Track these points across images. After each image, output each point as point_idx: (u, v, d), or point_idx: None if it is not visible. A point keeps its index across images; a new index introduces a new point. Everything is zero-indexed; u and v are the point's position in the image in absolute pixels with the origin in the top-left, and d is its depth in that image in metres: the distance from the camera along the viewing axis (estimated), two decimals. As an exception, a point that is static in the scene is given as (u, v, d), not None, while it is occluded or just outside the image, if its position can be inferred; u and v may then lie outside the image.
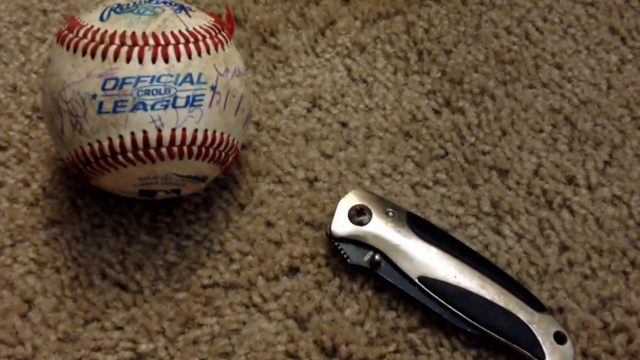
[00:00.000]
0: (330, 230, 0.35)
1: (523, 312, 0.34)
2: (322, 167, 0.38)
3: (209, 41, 0.32)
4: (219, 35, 0.33)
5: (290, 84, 0.41)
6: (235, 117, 0.33)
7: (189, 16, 0.32)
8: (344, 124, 0.40)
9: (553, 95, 0.41)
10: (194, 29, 0.32)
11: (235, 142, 0.33)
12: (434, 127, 0.40)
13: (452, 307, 0.34)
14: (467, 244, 0.37)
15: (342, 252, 0.35)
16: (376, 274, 0.35)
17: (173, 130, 0.30)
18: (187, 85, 0.30)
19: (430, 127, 0.40)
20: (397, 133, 0.40)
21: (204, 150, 0.31)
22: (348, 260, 0.35)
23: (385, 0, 0.43)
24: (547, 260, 0.36)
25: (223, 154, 0.33)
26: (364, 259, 0.35)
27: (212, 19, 0.33)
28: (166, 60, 0.30)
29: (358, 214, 0.36)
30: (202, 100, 0.31)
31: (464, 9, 0.44)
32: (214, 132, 0.32)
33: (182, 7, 0.33)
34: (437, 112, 0.40)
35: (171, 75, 0.30)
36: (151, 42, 0.30)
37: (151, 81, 0.30)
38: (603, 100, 0.41)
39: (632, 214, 0.38)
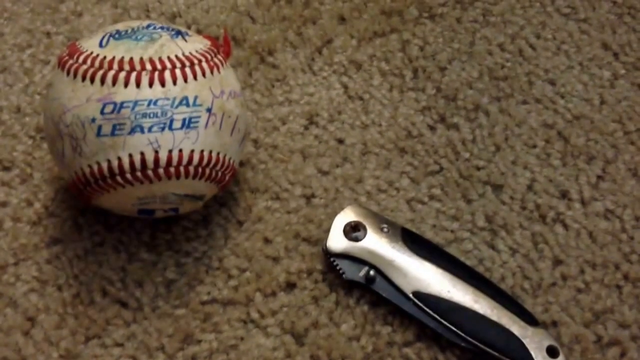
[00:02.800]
0: (326, 246, 0.36)
1: (516, 326, 0.34)
2: (319, 183, 0.39)
3: (204, 65, 0.33)
4: (215, 59, 0.34)
5: (288, 102, 0.42)
6: (231, 137, 0.34)
7: (185, 41, 0.33)
8: (341, 141, 0.41)
9: (546, 111, 0.42)
10: (190, 53, 0.33)
11: (231, 161, 0.34)
12: (429, 143, 0.41)
13: (446, 321, 0.34)
14: (462, 258, 0.37)
15: (337, 268, 0.36)
16: (371, 289, 0.35)
17: (170, 151, 0.31)
18: (184, 108, 0.31)
19: (425, 143, 0.41)
20: (393, 149, 0.40)
21: (200, 170, 0.32)
22: (343, 275, 0.36)
23: (380, 18, 0.44)
24: (541, 275, 0.37)
25: (220, 173, 0.34)
26: (360, 274, 0.36)
27: (209, 43, 0.34)
28: (163, 84, 0.31)
29: (353, 230, 0.36)
30: (198, 122, 0.32)
31: (458, 26, 0.44)
32: (210, 152, 0.32)
33: (178, 32, 0.34)
34: (432, 128, 0.41)
35: (168, 99, 0.31)
36: (148, 67, 0.31)
37: (148, 105, 0.31)
38: (596, 116, 0.42)
39: (625, 228, 0.38)
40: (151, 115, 0.31)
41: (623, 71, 0.43)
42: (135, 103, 0.31)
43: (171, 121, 0.31)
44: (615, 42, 0.44)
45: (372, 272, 0.35)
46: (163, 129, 0.31)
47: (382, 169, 0.40)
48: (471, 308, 0.35)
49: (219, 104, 0.33)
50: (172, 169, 0.32)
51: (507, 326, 0.34)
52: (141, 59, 0.31)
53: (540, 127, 0.41)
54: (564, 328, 0.35)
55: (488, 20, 0.45)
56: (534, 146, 0.41)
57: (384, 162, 0.40)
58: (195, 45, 0.33)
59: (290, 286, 0.36)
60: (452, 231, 0.38)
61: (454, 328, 0.34)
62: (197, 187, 0.33)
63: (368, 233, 0.36)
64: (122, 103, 0.31)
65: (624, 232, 0.38)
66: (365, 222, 0.36)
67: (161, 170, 0.31)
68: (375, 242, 0.36)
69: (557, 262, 0.37)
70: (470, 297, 0.35)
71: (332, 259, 0.36)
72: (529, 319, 0.35)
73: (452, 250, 0.38)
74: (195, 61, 0.32)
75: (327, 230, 0.36)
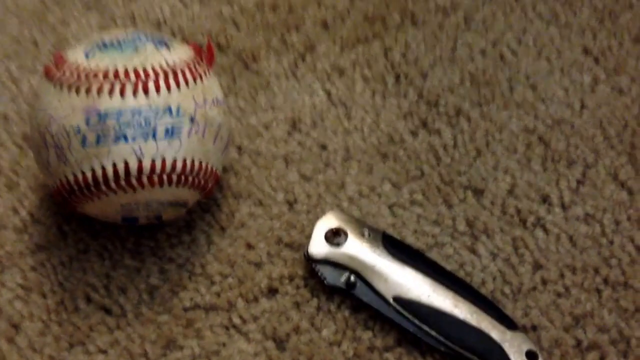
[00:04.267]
0: (307, 252, 0.36)
1: (495, 331, 0.35)
2: (302, 189, 0.39)
3: (187, 74, 0.33)
4: (198, 68, 0.34)
5: (271, 108, 0.42)
6: (213, 145, 0.34)
7: (169, 50, 0.34)
8: (323, 147, 0.41)
9: (527, 116, 0.42)
10: (174, 62, 0.33)
11: (214, 168, 0.35)
12: (410, 149, 0.41)
13: (426, 326, 0.35)
14: (443, 263, 0.38)
15: (319, 274, 0.36)
16: (352, 294, 0.36)
17: (153, 160, 0.32)
18: (167, 118, 0.32)
19: (407, 148, 0.41)
20: (375, 155, 0.41)
21: (183, 177, 0.33)
22: (325, 281, 0.36)
23: (363, 25, 0.45)
24: (521, 279, 0.37)
25: (202, 180, 0.34)
26: (341, 279, 0.36)
27: (192, 52, 0.35)
28: (146, 94, 0.32)
29: (334, 236, 0.37)
30: (180, 131, 0.32)
31: (440, 32, 0.45)
32: (193, 160, 0.33)
33: (163, 42, 0.34)
34: (414, 134, 0.42)
35: (151, 109, 0.32)
36: (132, 77, 0.32)
37: (132, 114, 0.31)
38: (576, 120, 0.42)
39: (605, 232, 0.39)
40: (135, 124, 0.31)
41: (603, 76, 0.44)
42: (120, 113, 0.31)
43: (154, 130, 0.32)
44: (596, 47, 0.45)
45: (352, 278, 0.36)
46: (146, 138, 0.32)
47: (364, 175, 0.40)
48: (451, 313, 0.35)
49: (202, 112, 0.33)
50: (155, 177, 0.32)
51: (487, 331, 0.35)
52: (126, 69, 0.32)
53: (521, 132, 0.42)
54: (544, 332, 0.36)
55: (470, 26, 0.45)
56: (515, 151, 0.41)
57: (366, 167, 0.40)
58: (179, 54, 0.34)
59: (272, 292, 0.37)
60: (433, 236, 0.38)
61: (434, 333, 0.35)
62: (180, 195, 0.34)
63: (349, 238, 0.36)
64: (106, 113, 0.31)
65: (603, 236, 0.39)
66: (346, 228, 0.37)
67: (145, 179, 0.32)
68: (356, 248, 0.36)
69: (537, 266, 0.38)
70: (450, 302, 0.35)
71: (313, 265, 0.36)
72: (509, 324, 0.35)
73: (433, 255, 0.38)
74: (179, 71, 0.33)
75: (310, 236, 0.37)
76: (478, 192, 0.40)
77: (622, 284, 0.37)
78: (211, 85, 0.35)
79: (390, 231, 0.38)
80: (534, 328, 0.36)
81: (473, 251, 0.38)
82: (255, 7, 0.44)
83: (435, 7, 0.45)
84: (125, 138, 0.31)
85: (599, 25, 0.46)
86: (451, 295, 0.35)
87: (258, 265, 0.37)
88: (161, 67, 0.33)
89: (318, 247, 0.36)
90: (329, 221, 0.37)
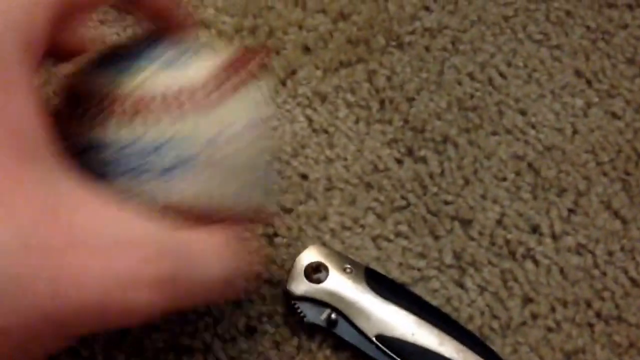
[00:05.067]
0: (286, 289, 0.35)
1: (483, 370, 0.33)
2: (282, 221, 0.38)
3: (199, 98, 0.26)
4: (223, 87, 0.27)
5: (252, 136, 0.41)
6: (234, 180, 0.28)
7: (186, 65, 0.27)
8: (304, 176, 0.40)
9: (517, 142, 0.41)
10: (184, 85, 0.27)
11: (233, 211, 0.28)
12: (395, 178, 0.40)
13: (410, 366, 0.34)
14: (428, 298, 0.36)
15: (298, 311, 0.35)
16: (333, 333, 0.34)
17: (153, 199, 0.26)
18: (165, 152, 0.26)
19: (392, 177, 0.40)
20: (358, 184, 0.39)
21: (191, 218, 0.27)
22: (305, 319, 0.34)
23: (346, 48, 0.43)
24: (510, 314, 0.36)
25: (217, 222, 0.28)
26: (321, 317, 0.35)
27: (221, 62, 0.28)
28: (143, 125, 0.26)
29: (315, 272, 0.35)
30: (182, 167, 0.26)
31: (426, 55, 0.43)
32: (202, 200, 0.27)
33: (180, 55, 0.28)
34: (399, 162, 0.40)
35: (146, 142, 0.26)
36: (127, 104, 0.26)
37: (123, 148, 0.26)
38: (568, 146, 0.41)
39: (597, 263, 0.37)
40: (126, 161, 0.26)
41: (596, 99, 0.42)
42: (108, 146, 0.26)
43: (150, 168, 0.26)
44: (588, 68, 0.43)
45: (333, 315, 0.34)
46: (139, 176, 0.26)
47: (347, 205, 0.39)
48: (436, 351, 0.34)
49: (214, 144, 0.27)
50: None
51: (474, 370, 0.33)
52: (120, 94, 0.26)
53: (510, 158, 0.40)
54: (534, 370, 0.35)
55: (457, 48, 0.44)
56: (504, 179, 0.40)
57: (349, 197, 0.39)
58: (198, 71, 0.27)
59: (250, 330, 0.35)
60: (418, 269, 0.37)
61: (418, 373, 0.33)
62: None
63: (330, 274, 0.35)
64: (96, 146, 0.26)
65: (596, 267, 0.37)
66: (327, 263, 0.35)
67: None
68: (337, 284, 0.35)
69: (527, 300, 0.36)
70: (436, 340, 0.34)
71: (293, 302, 0.35)
72: (497, 362, 0.34)
73: (419, 289, 0.37)
74: (187, 95, 0.26)
75: (290, 271, 0.35)
76: (466, 223, 0.38)
77: (615, 317, 0.36)
78: (236, 108, 0.28)
79: (374, 265, 0.37)
80: (524, 366, 0.35)
81: (460, 285, 0.37)
82: (234, 30, 0.43)
83: (422, 29, 0.44)
84: (114, 176, 0.26)
85: (591, 46, 0.44)
86: (437, 333, 0.34)
87: (235, 303, 0.36)
88: (164, 92, 0.26)
89: (298, 283, 0.35)
90: (309, 256, 0.36)
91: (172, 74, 0.27)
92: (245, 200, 0.29)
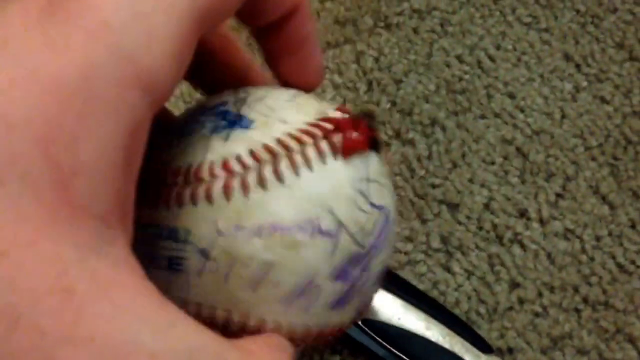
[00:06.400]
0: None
1: (469, 354, 0.33)
2: (267, 203, 0.38)
3: (216, 185, 0.21)
4: (250, 175, 0.21)
5: (237, 117, 0.40)
6: (253, 292, 0.21)
7: (228, 137, 0.21)
8: (291, 158, 0.39)
9: (505, 126, 0.40)
10: (221, 161, 0.21)
11: (257, 322, 0.22)
12: (383, 160, 0.39)
13: (396, 349, 0.33)
14: (415, 282, 0.36)
15: (283, 295, 0.34)
16: (319, 316, 0.34)
17: None
18: (170, 243, 0.22)
19: (379, 160, 0.39)
20: (345, 167, 0.39)
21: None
22: (289, 302, 0.34)
23: (334, 28, 0.42)
24: (497, 298, 0.36)
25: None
26: (307, 301, 0.34)
27: (301, 124, 0.21)
28: (156, 207, 0.22)
29: (300, 255, 0.35)
30: (183, 264, 0.21)
31: (415, 37, 0.43)
32: (214, 310, 0.22)
33: (233, 123, 0.22)
34: (386, 144, 0.40)
35: (157, 227, 0.22)
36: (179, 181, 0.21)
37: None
38: (556, 130, 0.40)
39: (585, 249, 0.37)
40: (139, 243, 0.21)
41: (585, 83, 0.42)
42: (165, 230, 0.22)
43: (155, 257, 0.22)
44: (577, 52, 0.43)
45: (319, 299, 0.34)
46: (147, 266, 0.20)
47: (334, 188, 0.38)
48: (423, 335, 0.33)
49: (224, 244, 0.21)
50: None
51: (460, 354, 0.33)
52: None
53: (498, 142, 0.40)
54: (521, 355, 0.34)
55: (446, 30, 0.43)
56: (492, 163, 0.39)
57: (336, 180, 0.38)
58: (251, 142, 0.21)
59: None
60: (405, 253, 0.37)
61: (404, 356, 0.33)
62: None
63: (316, 257, 0.35)
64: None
65: (583, 252, 0.37)
66: (313, 245, 0.35)
67: None
68: (323, 267, 0.34)
69: (514, 284, 0.36)
70: (422, 324, 0.33)
71: (277, 285, 0.34)
72: (483, 347, 0.33)
73: (406, 273, 0.36)
74: (208, 177, 0.21)
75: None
76: (453, 207, 0.38)
77: (602, 303, 0.36)
78: (270, 201, 0.21)
79: (360, 248, 0.36)
80: (510, 350, 0.34)
81: (447, 269, 0.36)
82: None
83: (410, 10, 0.43)
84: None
85: (581, 29, 0.44)
86: (423, 317, 0.34)
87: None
88: (186, 173, 0.21)
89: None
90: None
91: (214, 144, 0.22)
92: (290, 313, 0.22)
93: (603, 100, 0.42)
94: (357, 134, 0.21)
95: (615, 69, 0.43)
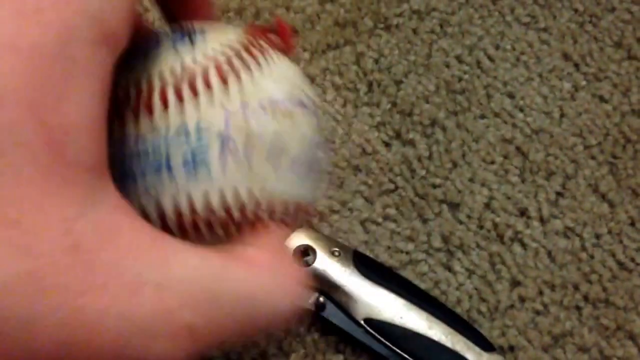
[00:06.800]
0: (274, 272, 0.35)
1: (471, 353, 0.33)
2: (269, 205, 0.38)
3: (211, 73, 0.23)
4: (235, 60, 0.24)
5: (238, 119, 0.40)
6: (270, 166, 0.23)
7: (193, 45, 0.24)
8: (292, 160, 0.39)
9: (505, 125, 0.41)
10: (195, 61, 0.23)
11: (279, 198, 0.24)
12: (383, 161, 0.39)
13: (399, 349, 0.33)
14: (417, 281, 0.36)
15: (286, 295, 0.34)
16: (322, 316, 0.34)
17: (175, 198, 0.23)
18: (182, 140, 0.22)
19: (380, 160, 0.39)
20: (346, 167, 0.39)
21: (230, 222, 0.23)
22: (292, 303, 0.34)
23: (334, 30, 0.43)
24: (498, 297, 0.36)
25: (269, 219, 0.24)
26: (309, 301, 0.34)
27: (239, 36, 0.25)
28: (150, 113, 0.23)
29: (302, 255, 0.35)
30: (205, 154, 0.22)
31: (414, 37, 0.43)
32: (237, 192, 0.23)
33: (186, 34, 0.25)
34: (387, 145, 0.40)
35: (158, 131, 0.23)
36: (132, 92, 0.23)
37: (135, 143, 0.23)
38: (555, 129, 0.41)
39: (585, 247, 0.37)
40: (141, 156, 0.23)
41: (584, 82, 0.42)
42: (122, 143, 0.23)
43: (167, 160, 0.22)
44: (576, 52, 0.43)
45: (322, 299, 0.34)
46: (159, 173, 0.22)
47: (335, 189, 0.38)
48: (425, 334, 0.34)
49: (238, 122, 0.23)
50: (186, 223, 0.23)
51: (462, 353, 0.33)
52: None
53: (498, 142, 0.40)
54: (522, 353, 0.35)
55: (445, 30, 0.43)
56: (492, 162, 0.39)
57: (337, 181, 0.39)
58: (208, 44, 0.24)
59: (237, 314, 0.35)
60: (407, 253, 0.37)
61: (407, 356, 0.33)
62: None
63: (318, 257, 0.35)
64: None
65: (583, 250, 0.37)
66: (315, 246, 0.35)
67: (172, 224, 0.23)
68: (325, 267, 0.35)
69: (515, 283, 0.36)
70: (424, 323, 0.34)
71: (280, 286, 0.35)
72: (485, 345, 0.34)
73: (407, 272, 0.36)
74: (199, 70, 0.23)
75: (277, 254, 0.35)
76: (454, 206, 0.38)
77: (602, 300, 0.36)
78: (260, 81, 0.24)
79: (363, 248, 0.37)
80: (512, 348, 0.35)
81: (448, 268, 0.37)
82: (220, 11, 0.42)
83: (410, 11, 0.44)
84: (134, 177, 0.23)
85: (579, 29, 0.44)
86: (425, 316, 0.34)
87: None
88: (173, 71, 0.23)
89: (285, 266, 0.35)
90: (297, 239, 0.35)
91: (182, 51, 0.24)
92: (300, 185, 0.24)
93: (602, 99, 0.42)
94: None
95: (614, 67, 0.43)
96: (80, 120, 0.19)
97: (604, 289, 0.36)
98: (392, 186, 0.39)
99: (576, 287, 0.36)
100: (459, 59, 0.43)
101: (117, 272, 0.19)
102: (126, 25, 0.20)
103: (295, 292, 0.22)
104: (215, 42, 0.24)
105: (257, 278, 0.21)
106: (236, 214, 0.23)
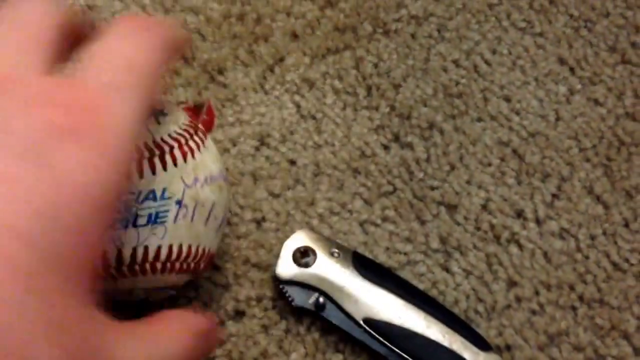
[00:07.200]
0: (275, 273, 0.35)
1: (468, 352, 0.34)
2: (270, 207, 0.38)
3: (176, 152, 0.29)
4: (191, 142, 0.30)
5: (239, 123, 0.41)
6: (205, 226, 0.31)
7: (158, 123, 0.30)
8: (293, 162, 0.40)
9: (501, 128, 0.41)
10: (162, 139, 0.29)
11: (206, 249, 0.31)
12: (382, 163, 0.40)
13: (397, 348, 0.34)
14: (415, 282, 0.37)
15: (286, 295, 0.35)
16: (321, 316, 0.35)
17: (134, 249, 0.28)
18: (150, 203, 0.28)
19: (378, 163, 0.40)
20: (346, 170, 0.40)
21: (169, 265, 0.30)
22: (292, 303, 0.35)
23: (334, 35, 0.43)
24: (495, 297, 0.37)
25: (192, 264, 0.31)
26: (309, 301, 0.35)
27: (187, 119, 0.31)
28: (127, 177, 0.27)
29: (302, 256, 0.36)
30: (166, 216, 0.29)
31: (412, 42, 0.44)
32: (180, 245, 0.30)
33: (153, 112, 0.30)
34: (385, 148, 0.40)
35: (132, 193, 0.28)
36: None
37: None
38: (551, 132, 0.41)
39: (580, 248, 0.38)
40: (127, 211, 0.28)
41: (579, 86, 0.43)
42: None
43: (135, 217, 0.28)
44: (571, 56, 0.44)
45: (321, 299, 0.35)
46: (126, 226, 0.28)
47: (335, 191, 0.39)
48: (423, 334, 0.34)
49: (191, 193, 0.29)
50: (137, 267, 0.29)
51: (459, 352, 0.34)
52: None
53: (495, 145, 0.41)
54: (518, 352, 0.35)
55: (443, 35, 0.44)
56: (489, 165, 0.40)
57: (337, 183, 0.39)
58: (170, 126, 0.30)
59: (238, 314, 0.35)
60: (405, 254, 0.38)
61: (405, 355, 0.34)
62: (166, 280, 0.30)
63: (318, 258, 0.35)
64: None
65: (579, 251, 0.38)
66: (315, 247, 0.36)
67: (125, 268, 0.29)
68: (325, 268, 0.35)
69: (512, 283, 0.37)
70: (422, 323, 0.34)
71: (281, 286, 0.35)
72: (482, 344, 0.34)
73: (406, 273, 0.37)
74: (167, 148, 0.29)
75: (278, 255, 0.36)
76: (451, 208, 0.39)
77: (597, 300, 0.37)
78: (205, 160, 0.30)
79: (362, 249, 0.37)
80: (508, 348, 0.35)
81: (446, 269, 0.37)
82: (222, 17, 0.43)
83: (408, 16, 0.44)
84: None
85: (574, 34, 0.45)
86: (423, 316, 0.34)
87: (224, 286, 0.36)
88: (147, 145, 0.28)
89: (286, 267, 0.35)
90: (297, 240, 0.36)
91: (152, 128, 0.29)
92: (216, 239, 0.32)
93: (597, 102, 0.43)
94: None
95: (609, 71, 0.44)
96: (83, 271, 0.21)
97: (599, 289, 0.37)
98: (390, 188, 0.39)
99: (571, 288, 0.37)
100: (456, 63, 0.43)
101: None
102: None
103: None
104: (175, 124, 0.30)
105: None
106: (177, 264, 0.30)
